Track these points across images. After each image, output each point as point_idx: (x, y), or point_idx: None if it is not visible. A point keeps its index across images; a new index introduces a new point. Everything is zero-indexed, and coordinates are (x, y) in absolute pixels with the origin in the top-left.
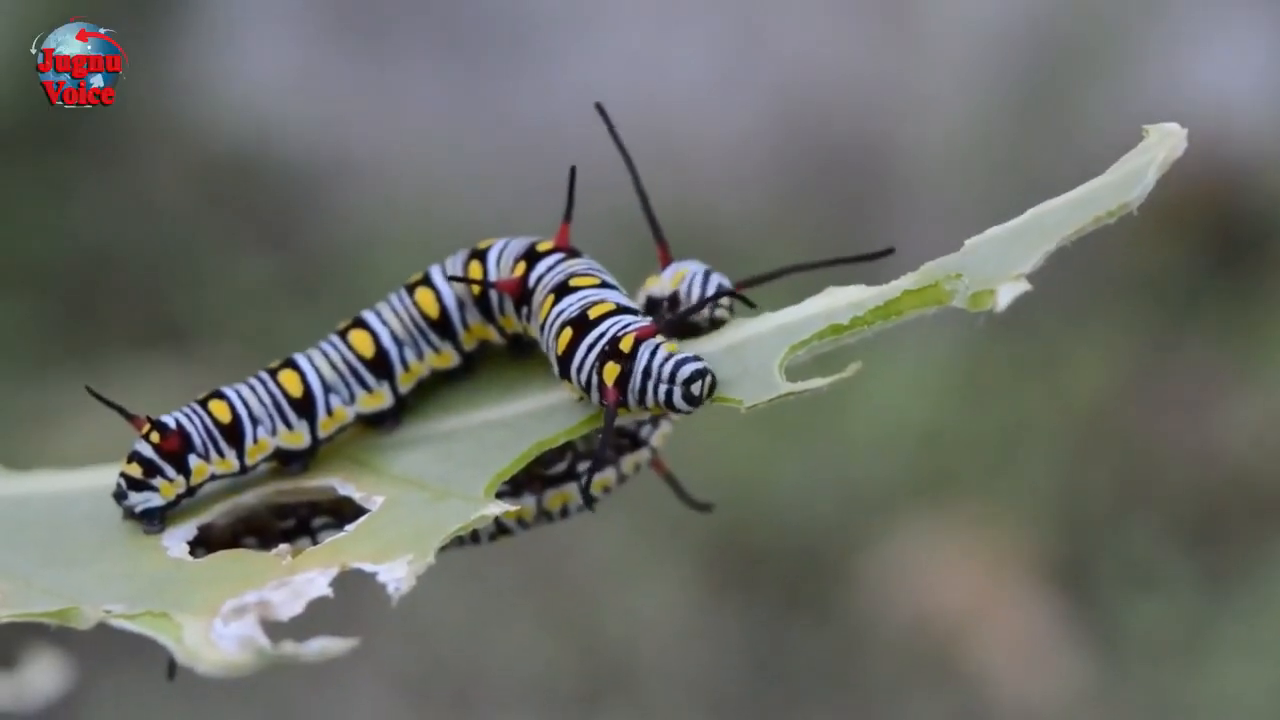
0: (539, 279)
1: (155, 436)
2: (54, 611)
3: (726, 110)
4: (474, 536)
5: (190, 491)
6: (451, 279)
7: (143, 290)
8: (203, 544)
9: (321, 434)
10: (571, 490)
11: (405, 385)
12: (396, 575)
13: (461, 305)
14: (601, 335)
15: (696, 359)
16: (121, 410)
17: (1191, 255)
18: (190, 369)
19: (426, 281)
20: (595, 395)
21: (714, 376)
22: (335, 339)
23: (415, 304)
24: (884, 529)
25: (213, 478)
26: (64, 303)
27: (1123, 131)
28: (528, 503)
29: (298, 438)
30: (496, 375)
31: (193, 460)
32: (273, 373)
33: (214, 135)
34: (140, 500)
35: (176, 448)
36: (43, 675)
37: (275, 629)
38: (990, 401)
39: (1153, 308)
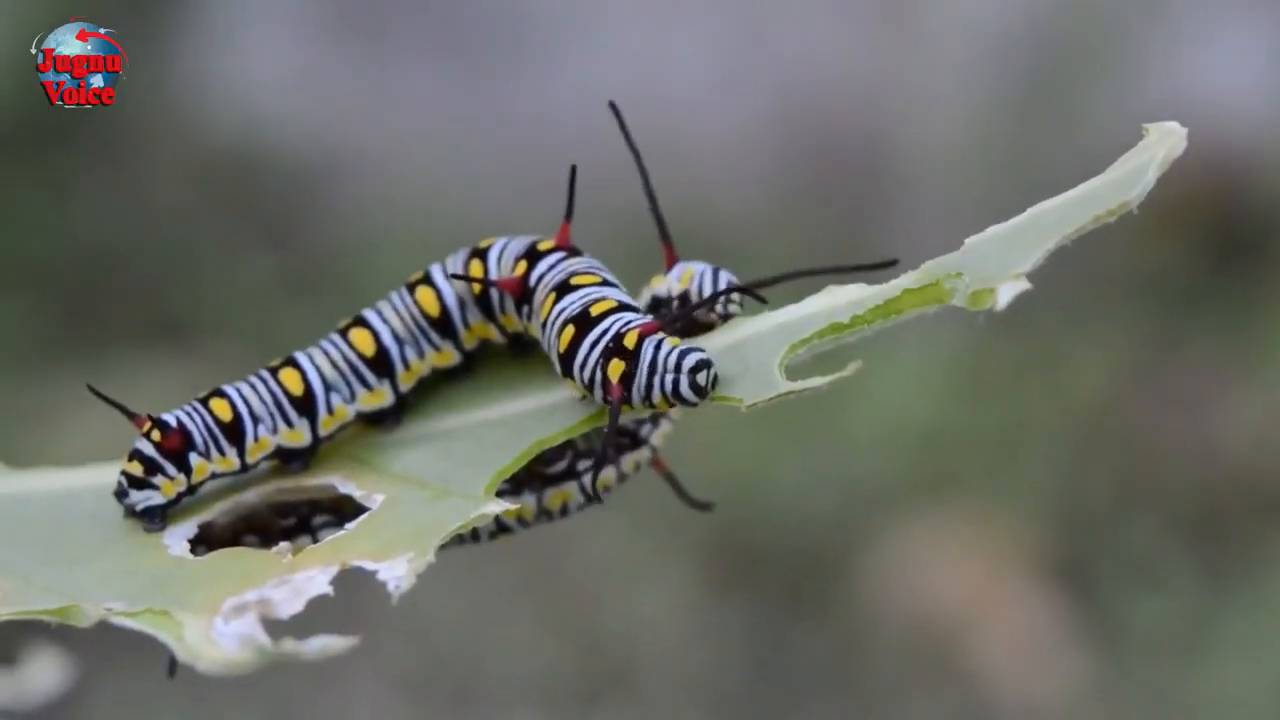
0: (540, 278)
1: (156, 435)
2: (55, 609)
3: (727, 110)
4: (474, 535)
5: (191, 490)
6: (452, 277)
7: (143, 289)
8: (203, 542)
9: (322, 432)
10: (572, 489)
11: (406, 384)
12: (397, 573)
13: (462, 304)
14: (605, 332)
15: (700, 350)
16: (122, 408)
17: (1192, 254)
18: (191, 367)
19: (427, 280)
20: (598, 393)
21: (716, 370)
22: (336, 337)
23: (416, 303)
24: (884, 527)
25: (214, 476)
26: (65, 301)
27: (1123, 131)
28: (528, 501)
29: (298, 436)
30: (497, 374)
31: (194, 458)
32: (274, 371)
33: (214, 134)
34: (141, 498)
35: (177, 446)
36: (43, 673)
37: (276, 627)
38: (991, 400)
39: (1153, 306)
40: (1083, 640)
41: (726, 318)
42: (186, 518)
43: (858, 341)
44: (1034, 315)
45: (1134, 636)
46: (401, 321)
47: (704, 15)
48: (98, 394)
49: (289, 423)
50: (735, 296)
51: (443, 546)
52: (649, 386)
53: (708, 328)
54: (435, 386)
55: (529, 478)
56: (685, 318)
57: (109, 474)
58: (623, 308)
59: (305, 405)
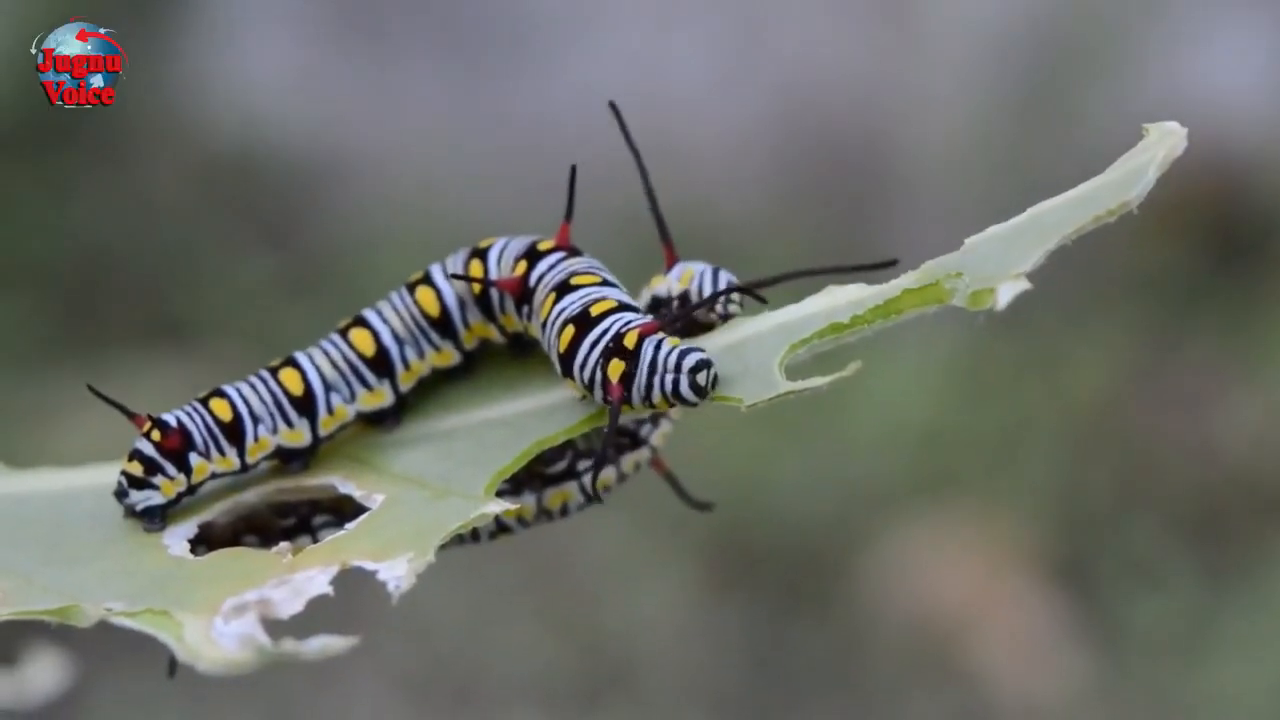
0: (540, 278)
1: (156, 435)
2: (55, 609)
3: (726, 109)
4: (474, 535)
5: (191, 490)
6: (452, 277)
7: (143, 288)
8: (203, 542)
9: (322, 432)
10: (572, 489)
11: (406, 384)
12: (396, 573)
13: (462, 304)
14: (605, 332)
15: (700, 350)
16: (122, 408)
17: (1192, 254)
18: (191, 367)
19: (427, 280)
20: (599, 392)
21: (716, 370)
22: (336, 337)
23: (416, 303)
24: (884, 527)
25: (213, 476)
26: (65, 301)
27: (1123, 130)
28: (528, 501)
29: (298, 436)
30: (497, 374)
31: (194, 458)
32: (274, 371)
33: (214, 134)
34: (141, 498)
35: (177, 446)
36: (44, 673)
37: (275, 627)
38: (991, 400)
39: (1153, 306)
40: (1083, 640)
41: (726, 318)
42: (186, 518)
43: (858, 341)
44: (1034, 315)
45: (1134, 636)
46: (401, 321)
47: (704, 15)
48: (98, 394)
49: (289, 423)
50: (735, 296)
51: (443, 546)
52: (649, 386)
53: (708, 328)
54: (435, 386)
55: (529, 478)
56: (685, 318)
57: (109, 474)
58: (623, 308)
59: (305, 405)
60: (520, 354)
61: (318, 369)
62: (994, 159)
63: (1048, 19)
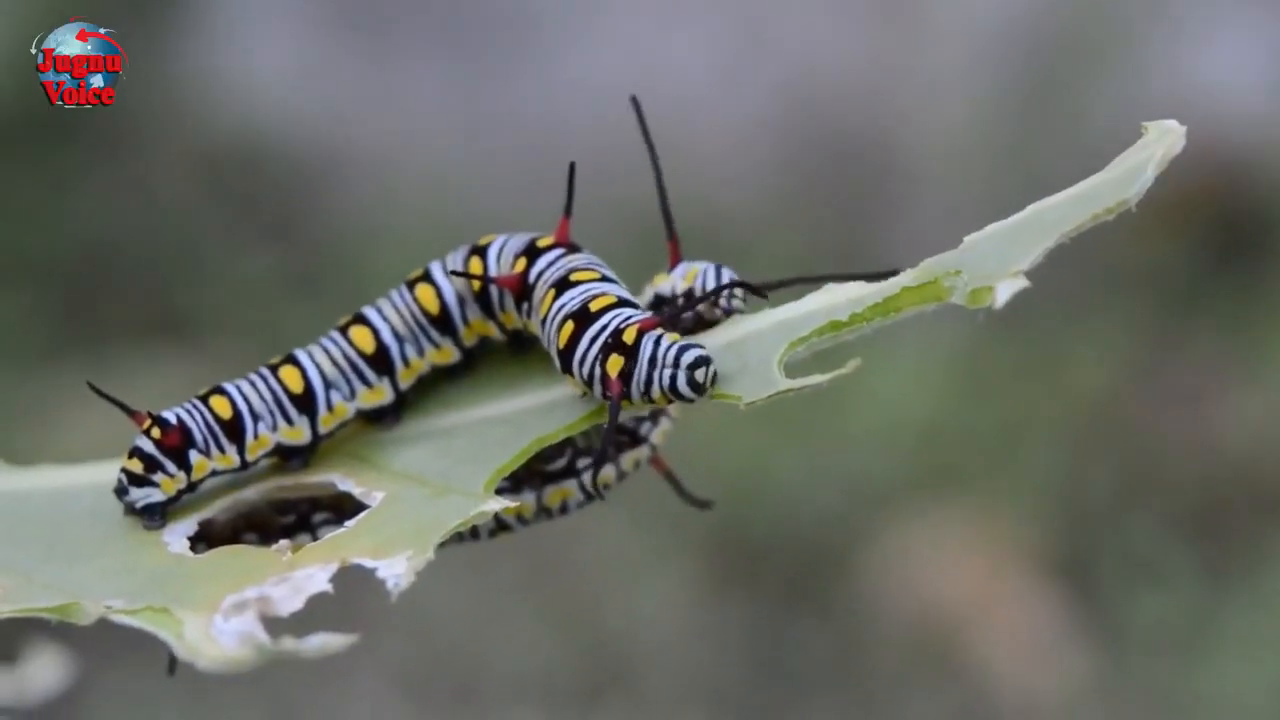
0: (539, 274)
1: (156, 432)
2: (55, 607)
3: (728, 106)
4: (473, 533)
5: (191, 487)
6: (452, 274)
7: (145, 285)
8: (203, 539)
9: (322, 430)
10: (571, 486)
11: (406, 381)
12: (396, 571)
13: (462, 301)
14: (604, 328)
15: (699, 346)
16: (122, 406)
17: (1193, 250)
18: (193, 362)
19: (427, 278)
20: (598, 388)
21: (715, 367)
22: (336, 335)
23: (416, 300)
24: (885, 525)
25: (213, 473)
26: (66, 298)
27: (1124, 128)
28: (527, 499)
29: (298, 433)
30: (497, 371)
31: (194, 456)
32: (273, 369)
33: (216, 129)
34: (141, 496)
35: (177, 443)
36: (44, 670)
37: (275, 624)
38: (992, 397)
39: (1154, 304)
40: (1083, 638)
41: (730, 313)
42: (186, 515)
43: (858, 338)
44: (1035, 313)
45: (1134, 634)
46: (401, 319)
47: (705, 12)
48: (98, 391)
49: (289, 420)
50: (740, 294)
51: (442, 544)
52: (648, 382)
53: (713, 325)
54: (435, 384)
55: (529, 475)
56: (686, 311)
57: (109, 471)
58: (622, 303)
59: (305, 403)
60: (520, 351)
61: (318, 366)
62: (995, 155)
63: (1049, 15)
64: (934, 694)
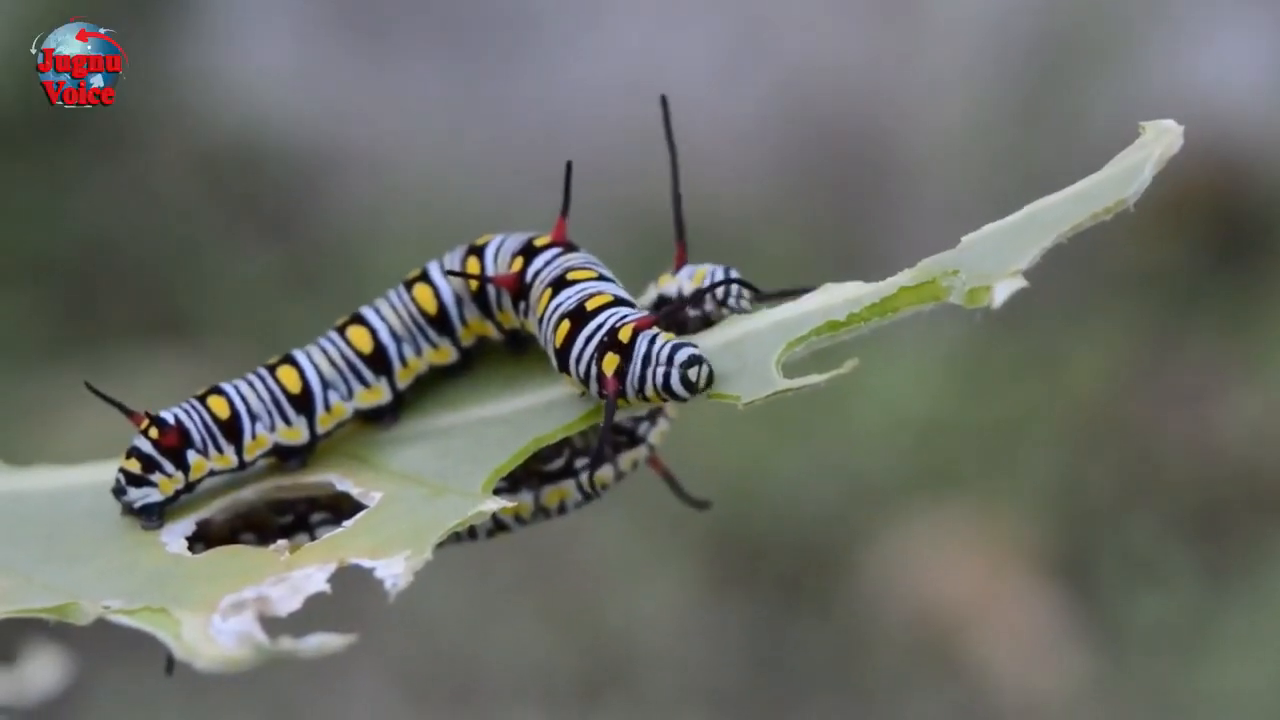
0: (536, 274)
1: (154, 432)
2: (53, 607)
3: (728, 104)
4: (471, 533)
5: (189, 487)
6: (449, 274)
7: (145, 283)
8: (201, 540)
9: (320, 430)
10: (569, 487)
11: (403, 381)
12: (394, 571)
13: (459, 301)
14: (600, 326)
15: (693, 345)
16: (120, 406)
17: (1193, 250)
18: (193, 362)
19: (424, 278)
20: (594, 387)
21: (710, 366)
22: (334, 335)
23: (413, 300)
24: (885, 524)
25: (211, 473)
26: (66, 296)
27: (1125, 127)
28: (525, 499)
29: (296, 434)
30: (494, 371)
31: (191, 456)
32: (271, 369)
33: (216, 128)
34: (139, 496)
35: (175, 443)
36: (42, 670)
37: (274, 624)
38: (992, 396)
39: (1154, 304)
40: (1083, 637)
41: (737, 314)
42: (184, 515)
43: (858, 337)
44: (1034, 313)
45: (1134, 634)
46: (399, 319)
47: (705, 12)
48: (95, 391)
49: (287, 420)
50: (747, 296)
51: (440, 544)
52: (642, 380)
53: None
54: (433, 384)
55: (526, 475)
56: (680, 310)
57: (108, 471)
58: (618, 302)
59: (303, 403)
60: (518, 351)
61: (315, 367)
62: (995, 154)
63: (1049, 14)
64: (934, 694)
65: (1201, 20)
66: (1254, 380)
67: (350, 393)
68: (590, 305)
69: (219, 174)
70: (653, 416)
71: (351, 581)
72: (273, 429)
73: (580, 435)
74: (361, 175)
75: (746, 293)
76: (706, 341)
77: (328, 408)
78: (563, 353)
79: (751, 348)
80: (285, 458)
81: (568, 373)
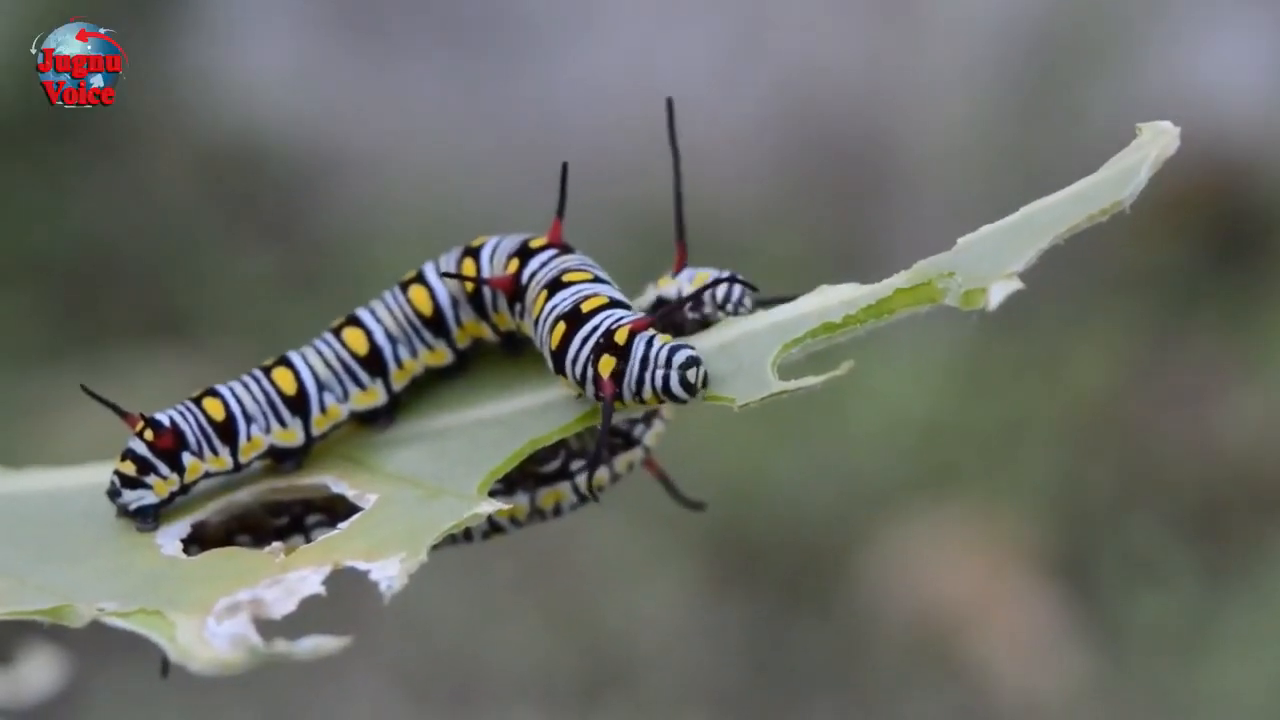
0: (532, 275)
1: (149, 434)
2: (48, 609)
3: (728, 104)
4: (467, 535)
5: (184, 489)
6: (445, 276)
7: (144, 283)
8: (196, 542)
9: (315, 431)
10: (565, 489)
11: (399, 383)
12: (389, 573)
13: (455, 303)
14: (595, 328)
15: (690, 347)
16: (115, 408)
17: (1193, 251)
18: (192, 362)
19: (420, 279)
20: (591, 389)
21: (706, 368)
22: (329, 337)
23: (409, 301)
24: (884, 524)
25: (206, 475)
26: (66, 296)
27: (1124, 127)
28: (521, 501)
29: (291, 435)
30: (490, 373)
31: (187, 458)
32: (267, 370)
33: (215, 129)
34: (134, 498)
35: (170, 445)
36: (38, 672)
37: (270, 626)
38: (991, 397)
39: (1153, 304)
40: (1083, 637)
41: (737, 315)
42: (179, 517)
43: (857, 338)
44: (1034, 313)
45: (1134, 633)
46: (395, 320)
47: (705, 12)
48: (90, 393)
49: (282, 422)
50: (747, 301)
51: (436, 546)
52: (639, 382)
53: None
54: (429, 385)
55: (522, 477)
56: (680, 309)
57: (103, 473)
58: (614, 304)
59: (298, 404)
60: (513, 353)
61: (311, 368)
62: (995, 155)
63: (1049, 15)
64: (934, 694)
65: (1201, 20)
66: (1254, 380)
67: (345, 395)
68: (586, 307)
69: (218, 174)
70: (648, 419)
71: (350, 583)
72: (268, 431)
73: (576, 437)
74: (361, 175)
75: (748, 295)
76: (702, 343)
77: (323, 409)
78: (559, 355)
79: (747, 350)
80: (280, 460)
81: (564, 375)
